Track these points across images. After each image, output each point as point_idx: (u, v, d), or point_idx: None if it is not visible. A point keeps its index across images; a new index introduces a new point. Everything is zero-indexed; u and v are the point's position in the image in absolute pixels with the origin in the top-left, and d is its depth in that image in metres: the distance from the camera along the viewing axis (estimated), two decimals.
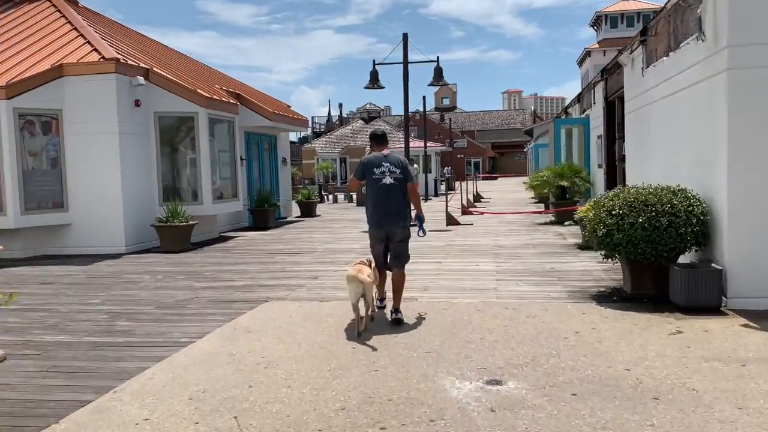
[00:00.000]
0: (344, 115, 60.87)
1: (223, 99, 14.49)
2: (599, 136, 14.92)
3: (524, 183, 26.95)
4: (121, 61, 12.47)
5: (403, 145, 17.35)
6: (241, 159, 16.87)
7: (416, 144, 35.64)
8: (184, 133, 13.98)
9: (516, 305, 6.94)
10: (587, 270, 9.01)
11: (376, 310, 6.63)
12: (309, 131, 59.75)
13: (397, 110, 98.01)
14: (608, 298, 7.21)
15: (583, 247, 11.01)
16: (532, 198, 27.89)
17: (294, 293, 8.05)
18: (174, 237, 12.48)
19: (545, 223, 16.11)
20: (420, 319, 6.41)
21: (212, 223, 14.82)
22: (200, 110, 13.46)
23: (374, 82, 16.37)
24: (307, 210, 20.87)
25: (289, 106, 21.07)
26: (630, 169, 11.06)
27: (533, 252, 11.05)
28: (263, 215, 16.90)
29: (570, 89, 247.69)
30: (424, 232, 6.68)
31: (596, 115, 15.19)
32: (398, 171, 6.35)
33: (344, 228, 16.70)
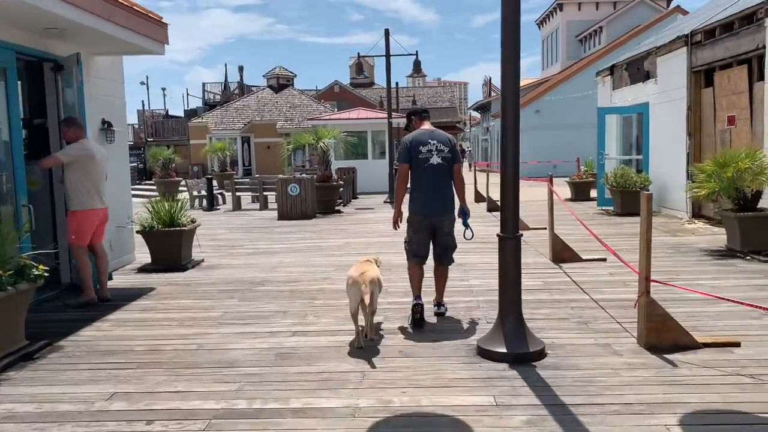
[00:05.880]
0: (246, 83, 47.39)
1: None
2: None
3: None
4: None
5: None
6: None
7: (370, 114, 23.68)
8: None
9: None
10: None
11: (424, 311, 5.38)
12: (198, 100, 45.78)
13: (299, 82, 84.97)
14: None
15: None
16: (568, 199, 16.26)
17: None
18: None
19: None
20: None
21: None
22: None
23: None
24: (168, 252, 8.41)
25: None
26: None
27: None
28: None
29: (467, 75, 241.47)
30: (472, 233, 5.59)
31: None
32: (446, 150, 5.43)
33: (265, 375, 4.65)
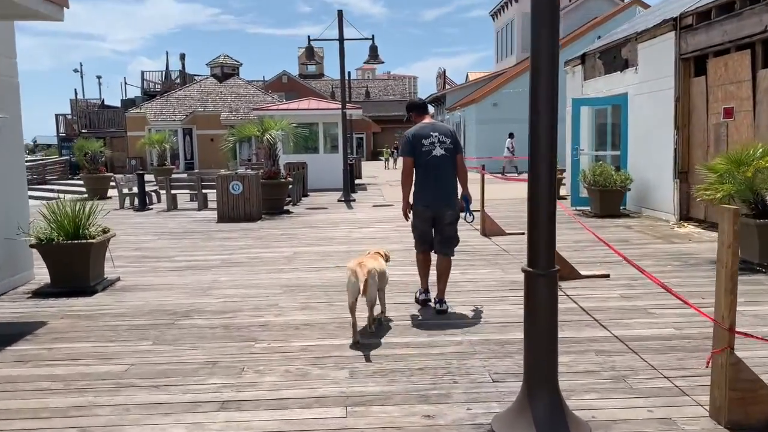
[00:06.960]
0: (189, 72, 44.77)
1: None
2: None
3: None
4: None
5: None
6: None
7: (322, 105, 22.10)
8: None
9: None
10: None
11: (422, 302, 5.78)
12: (137, 89, 43.07)
13: (246, 74, 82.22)
14: None
15: None
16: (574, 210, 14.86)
17: None
18: None
19: None
20: None
21: None
22: None
23: None
24: (72, 271, 6.68)
25: None
26: None
27: None
28: None
29: (416, 70, 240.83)
30: (473, 216, 5.94)
31: None
32: (448, 141, 5.51)
33: None
